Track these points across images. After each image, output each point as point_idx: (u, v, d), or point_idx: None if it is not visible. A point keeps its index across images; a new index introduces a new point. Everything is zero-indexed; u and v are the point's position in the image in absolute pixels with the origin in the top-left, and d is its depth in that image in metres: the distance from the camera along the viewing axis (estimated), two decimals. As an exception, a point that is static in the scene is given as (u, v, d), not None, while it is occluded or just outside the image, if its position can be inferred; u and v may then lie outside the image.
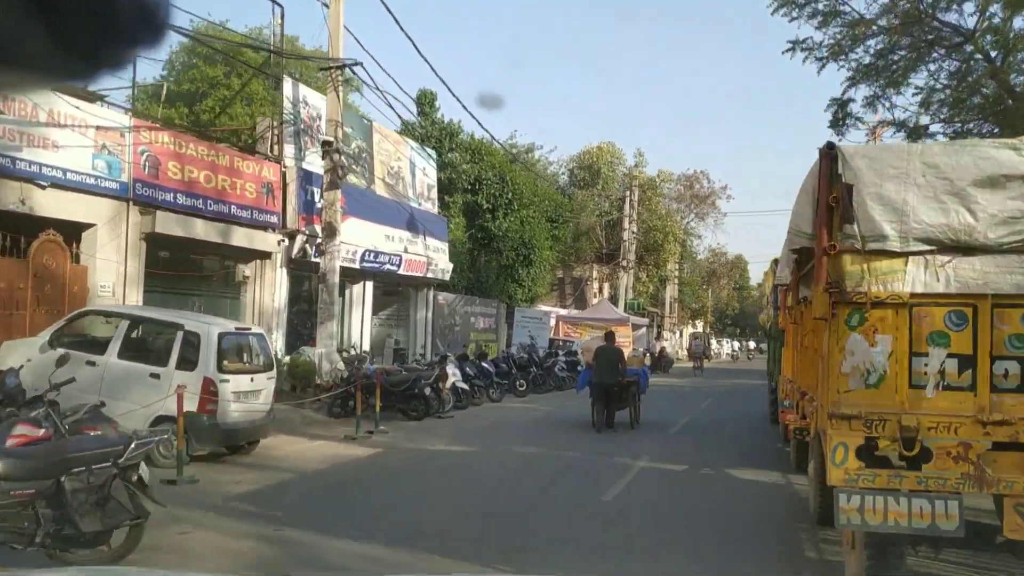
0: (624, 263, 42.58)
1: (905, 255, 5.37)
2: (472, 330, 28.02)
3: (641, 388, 16.12)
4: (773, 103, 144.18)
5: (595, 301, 42.91)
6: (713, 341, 69.43)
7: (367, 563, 6.13)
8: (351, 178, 19.27)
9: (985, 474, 5.15)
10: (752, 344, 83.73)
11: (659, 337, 50.73)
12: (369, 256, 20.34)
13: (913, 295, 5.35)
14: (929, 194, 5.31)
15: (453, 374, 17.26)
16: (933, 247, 5.34)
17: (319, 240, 17.38)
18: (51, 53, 0.86)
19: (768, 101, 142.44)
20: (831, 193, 5.46)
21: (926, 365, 5.35)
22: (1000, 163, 5.25)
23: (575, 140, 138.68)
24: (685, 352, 59.95)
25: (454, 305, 26.91)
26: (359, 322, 21.59)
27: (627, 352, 26.04)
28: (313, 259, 17.75)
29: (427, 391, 15.54)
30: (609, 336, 15.94)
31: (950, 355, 5.33)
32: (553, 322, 33.60)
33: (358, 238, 19.67)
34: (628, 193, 43.58)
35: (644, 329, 39.19)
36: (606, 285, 47.03)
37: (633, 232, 43.14)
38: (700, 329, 69.05)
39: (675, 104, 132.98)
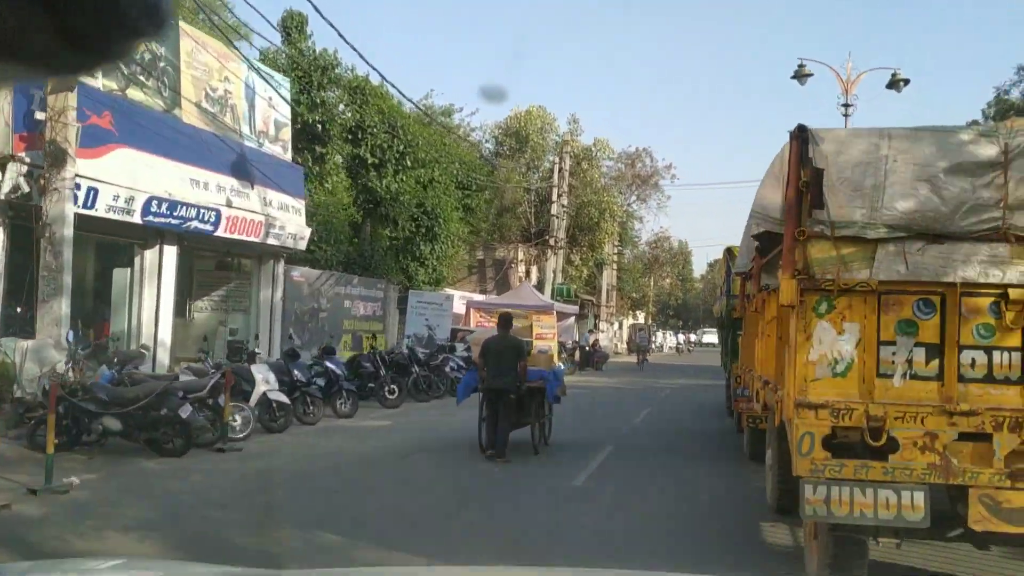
0: (552, 242, 36.64)
1: (875, 242, 5.27)
2: (348, 317, 22.62)
3: (549, 395, 12.11)
4: (724, 83, 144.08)
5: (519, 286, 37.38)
6: (657, 333, 66.50)
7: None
8: (137, 94, 14.68)
9: (951, 464, 5.10)
10: (693, 337, 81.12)
11: (595, 328, 46.53)
12: (158, 207, 14.24)
13: (882, 283, 5.25)
14: (900, 180, 5.20)
15: (263, 381, 12.47)
16: (903, 234, 5.24)
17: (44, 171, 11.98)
18: (53, 45, 0.85)
19: (719, 81, 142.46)
20: (801, 177, 5.32)
21: (894, 354, 5.26)
22: (973, 150, 5.18)
23: (504, 107, 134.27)
24: (625, 345, 56.93)
25: (318, 285, 21.21)
26: (152, 304, 15.46)
27: (547, 346, 22.59)
28: (35, 202, 12.22)
29: (185, 411, 10.33)
30: (504, 321, 11.53)
31: (918, 344, 5.25)
32: (462, 308, 29.21)
33: (138, 179, 13.94)
34: (557, 160, 37.35)
35: (573, 319, 34.80)
36: (534, 268, 41.18)
37: (564, 207, 37.12)
38: (642, 320, 65.63)
39: (619, 80, 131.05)
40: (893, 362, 5.26)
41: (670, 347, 68.93)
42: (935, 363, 5.22)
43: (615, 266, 54.12)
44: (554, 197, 36.46)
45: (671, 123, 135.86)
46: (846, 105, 21.22)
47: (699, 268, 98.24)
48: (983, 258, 5.18)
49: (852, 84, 21.29)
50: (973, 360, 5.20)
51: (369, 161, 25.18)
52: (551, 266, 37.07)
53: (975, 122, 25.63)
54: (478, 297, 33.49)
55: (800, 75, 21.85)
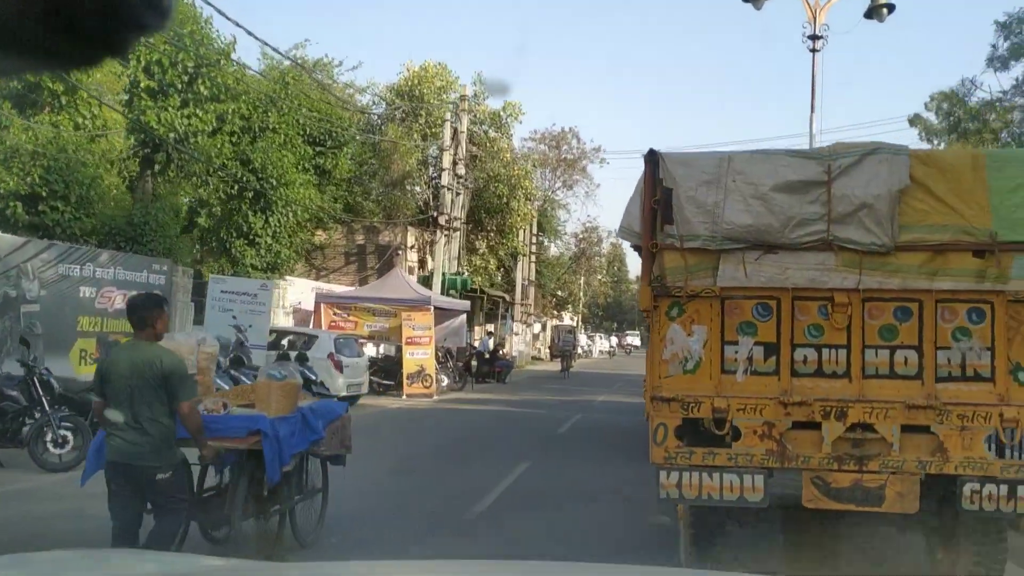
0: (443, 221, 28.59)
1: (718, 252, 5.92)
2: (92, 313, 14.85)
3: (276, 461, 6.11)
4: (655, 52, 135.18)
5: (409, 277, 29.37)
6: (583, 336, 60.73)
7: None
8: None
9: (787, 450, 5.72)
10: (628, 340, 76.62)
11: (498, 330, 38.55)
12: None
13: (724, 289, 5.89)
14: (738, 198, 5.87)
15: None
16: (742, 245, 5.90)
17: None
18: (56, 38, 0.84)
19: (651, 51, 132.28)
20: (654, 196, 5.98)
21: (736, 352, 5.90)
22: (799, 171, 5.87)
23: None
24: (548, 350, 51.83)
25: (18, 260, 13.41)
26: None
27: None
28: None
29: None
30: (137, 318, 5.44)
31: (757, 343, 5.89)
32: (310, 302, 22.81)
33: None
34: (450, 118, 29.03)
35: (463, 317, 26.94)
36: (429, 258, 33.26)
37: (459, 178, 29.29)
38: (568, 321, 59.56)
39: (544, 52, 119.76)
40: (736, 359, 5.90)
41: (602, 351, 64.80)
42: (772, 360, 5.87)
43: (533, 258, 46.23)
44: (445, 163, 28.44)
45: (603, 95, 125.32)
46: (814, 37, 17.35)
47: (634, 268, 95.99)
48: (812, 266, 5.85)
49: (821, 11, 17.17)
50: (805, 357, 5.85)
51: (143, 85, 18.30)
52: (440, 252, 29.31)
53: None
54: (341, 289, 25.92)
55: None
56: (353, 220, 30.28)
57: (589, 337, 66.36)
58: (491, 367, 29.57)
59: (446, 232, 29.26)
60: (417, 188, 33.58)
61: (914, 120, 28.80)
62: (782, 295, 5.87)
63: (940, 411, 5.62)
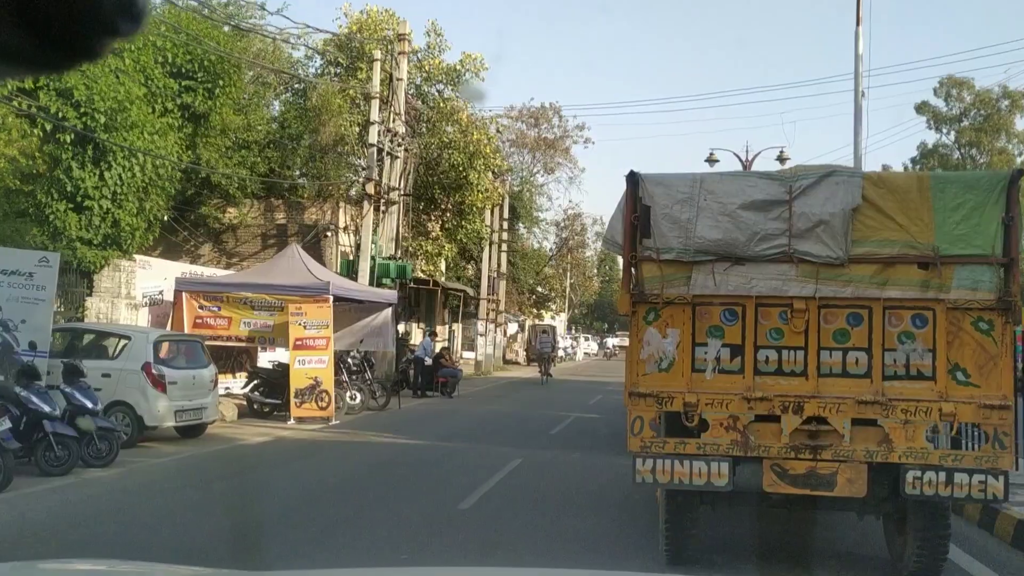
0: (373, 190, 22.93)
1: (690, 264, 6.62)
2: None
3: None
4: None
5: (327, 259, 23.64)
6: (566, 338, 56.08)
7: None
8: None
9: (749, 440, 6.43)
10: (612, 342, 67.43)
11: (456, 332, 35.27)
12: None
13: (696, 296, 6.59)
14: (708, 215, 6.56)
15: None
16: (712, 257, 6.59)
17: None
18: (27, 43, 0.84)
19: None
20: (634, 212, 6.67)
21: (705, 353, 6.60)
22: (763, 190, 6.56)
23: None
24: (525, 352, 44.33)
25: None
26: None
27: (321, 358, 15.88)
28: None
29: None
30: None
31: (724, 345, 6.59)
32: (164, 291, 17.75)
33: None
34: (381, 62, 23.36)
35: (387, 312, 20.15)
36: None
37: (398, 136, 23.64)
38: (550, 321, 51.48)
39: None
40: (705, 359, 6.60)
41: (587, 353, 59.54)
42: (738, 360, 6.57)
43: (504, 247, 38.17)
44: (374, 116, 22.72)
45: (590, 69, 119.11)
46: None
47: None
48: (774, 276, 6.55)
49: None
50: (767, 357, 6.55)
51: None
52: (368, 228, 22.85)
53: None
54: (212, 272, 20.15)
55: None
56: (303, 200, 24.87)
57: (573, 338, 61.07)
58: (430, 376, 23.46)
59: (377, 202, 23.22)
60: (357, 160, 26.05)
61: (922, 107, 28.74)
62: (747, 302, 6.57)
63: (886, 406, 6.32)
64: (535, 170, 43.65)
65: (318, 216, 25.13)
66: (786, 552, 7.63)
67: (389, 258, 23.78)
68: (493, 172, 30.51)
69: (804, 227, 6.49)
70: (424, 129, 27.67)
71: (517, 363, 42.94)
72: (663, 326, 6.65)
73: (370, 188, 22.91)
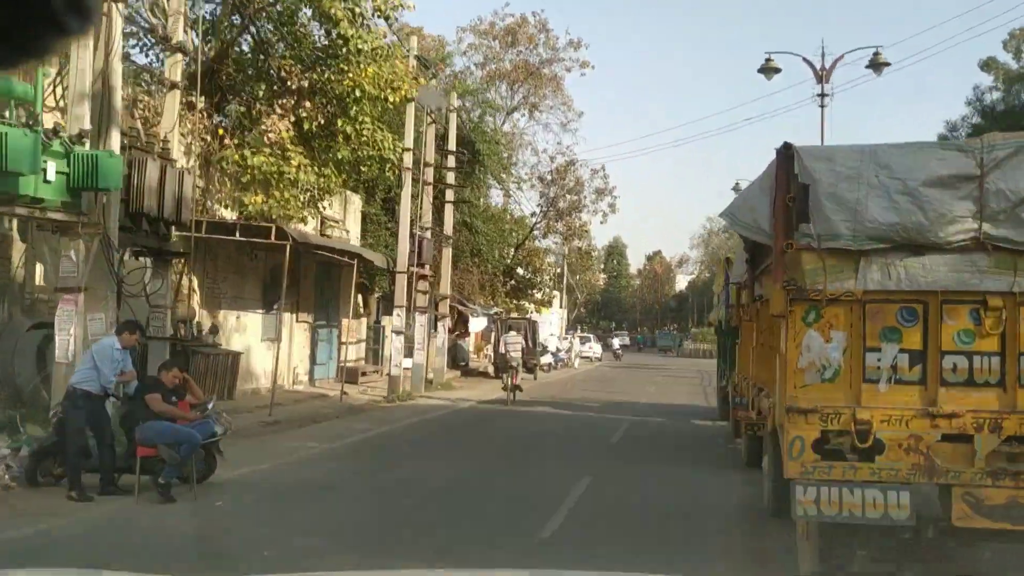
0: None
1: (859, 253, 5.53)
2: None
3: None
4: None
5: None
6: (555, 337, 39.93)
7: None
8: None
9: (935, 465, 5.35)
10: (617, 342, 57.90)
11: (372, 332, 23.34)
12: None
13: (866, 292, 5.51)
14: (882, 194, 5.47)
15: None
16: (886, 245, 5.50)
17: None
18: None
19: None
20: (788, 192, 5.60)
21: (879, 360, 5.53)
22: (949, 164, 5.44)
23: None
24: (490, 360, 28.59)
25: None
26: None
27: None
28: None
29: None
30: None
31: (901, 350, 5.52)
32: None
33: None
34: None
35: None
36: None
37: None
38: (532, 317, 34.36)
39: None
40: (878, 368, 5.52)
41: (586, 355, 45.58)
42: (918, 368, 5.49)
43: (448, 194, 23.22)
44: None
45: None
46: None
47: (636, 261, 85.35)
48: (962, 268, 5.44)
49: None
50: (955, 365, 5.46)
51: None
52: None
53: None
54: None
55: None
56: None
57: (571, 339, 45.02)
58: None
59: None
60: None
61: (988, 64, 26.42)
62: (929, 298, 5.48)
63: None
64: (512, 106, 31.25)
65: None
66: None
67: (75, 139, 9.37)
68: (418, 59, 19.11)
69: (999, 207, 5.38)
70: None
71: (485, 374, 28.03)
72: (826, 328, 5.58)
73: None
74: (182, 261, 13.61)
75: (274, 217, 15.15)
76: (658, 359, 55.45)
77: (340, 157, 16.19)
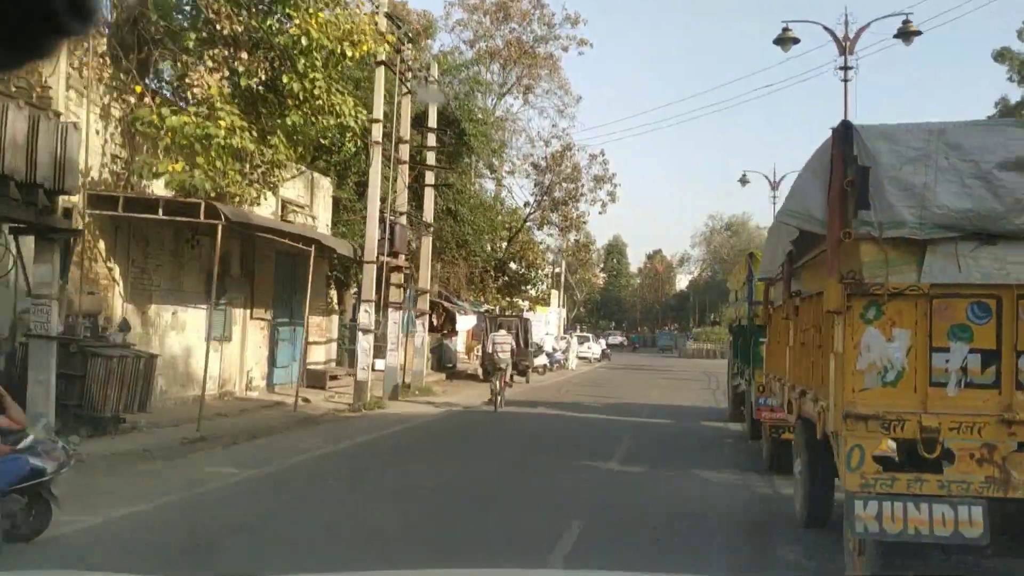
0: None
1: (924, 243, 5.02)
2: None
3: None
4: None
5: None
6: (551, 337, 37.71)
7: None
8: None
9: (1011, 477, 4.84)
10: (610, 340, 57.98)
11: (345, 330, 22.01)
12: None
13: (933, 286, 4.99)
14: (952, 177, 4.96)
15: None
16: (955, 234, 4.99)
17: None
18: None
19: None
20: (845, 176, 5.07)
21: (947, 361, 5.01)
22: None
23: None
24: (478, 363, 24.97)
25: None
26: None
27: None
28: None
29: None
30: None
31: (972, 350, 5.00)
32: None
33: None
34: None
35: None
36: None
37: None
38: (524, 315, 32.26)
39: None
40: (947, 370, 5.01)
41: (583, 356, 43.28)
42: (992, 370, 4.97)
43: (428, 176, 21.24)
44: None
45: None
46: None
47: (636, 260, 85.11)
48: None
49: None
50: None
51: None
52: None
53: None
54: None
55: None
56: None
57: (568, 339, 42.04)
58: None
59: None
60: None
61: (1002, 54, 25.59)
62: (1004, 293, 4.96)
63: None
64: (506, 88, 29.43)
65: None
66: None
67: None
68: (388, 17, 16.80)
69: None
70: None
71: (474, 377, 25.98)
72: (887, 326, 5.05)
73: None
74: (80, 242, 10.92)
75: (211, 194, 12.36)
76: (659, 360, 54.43)
77: (291, 124, 13.52)
